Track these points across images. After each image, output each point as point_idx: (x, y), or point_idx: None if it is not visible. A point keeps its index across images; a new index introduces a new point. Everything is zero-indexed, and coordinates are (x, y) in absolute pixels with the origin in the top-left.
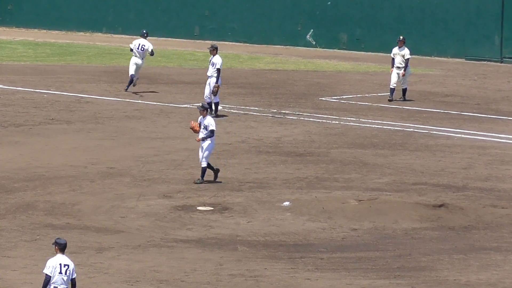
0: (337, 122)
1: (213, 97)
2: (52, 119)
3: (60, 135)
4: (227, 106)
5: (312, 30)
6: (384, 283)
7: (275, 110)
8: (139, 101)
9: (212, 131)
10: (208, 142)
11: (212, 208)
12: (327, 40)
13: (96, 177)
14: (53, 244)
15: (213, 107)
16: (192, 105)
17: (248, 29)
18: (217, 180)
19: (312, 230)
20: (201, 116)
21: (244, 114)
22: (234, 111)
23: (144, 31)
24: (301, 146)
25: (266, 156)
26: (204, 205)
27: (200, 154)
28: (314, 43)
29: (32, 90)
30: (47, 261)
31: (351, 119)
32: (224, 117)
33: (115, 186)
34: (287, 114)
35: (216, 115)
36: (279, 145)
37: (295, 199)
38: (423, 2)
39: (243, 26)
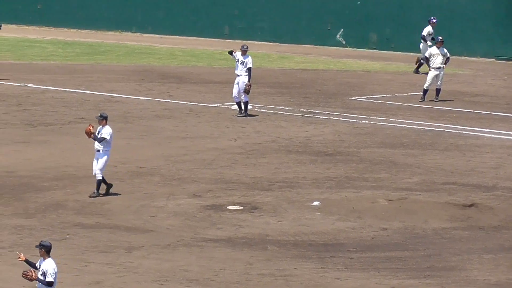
0: (366, 121)
1: (242, 96)
2: (82, 118)
3: None
4: (256, 105)
5: (342, 29)
6: (413, 282)
7: (304, 110)
8: (169, 100)
9: (103, 139)
10: (103, 153)
11: (241, 208)
12: (357, 39)
13: (126, 177)
14: (37, 246)
15: (242, 107)
16: (222, 105)
17: (278, 28)
18: (110, 192)
19: (341, 229)
20: (100, 126)
21: (274, 113)
22: (264, 110)
23: None
24: (331, 145)
25: (296, 155)
26: (234, 205)
27: (95, 165)
28: (344, 42)
29: (62, 89)
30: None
31: (381, 118)
32: (254, 117)
33: (145, 185)
34: (317, 113)
35: (246, 115)
36: (309, 144)
37: (324, 198)
38: (452, 2)
39: (272, 26)
